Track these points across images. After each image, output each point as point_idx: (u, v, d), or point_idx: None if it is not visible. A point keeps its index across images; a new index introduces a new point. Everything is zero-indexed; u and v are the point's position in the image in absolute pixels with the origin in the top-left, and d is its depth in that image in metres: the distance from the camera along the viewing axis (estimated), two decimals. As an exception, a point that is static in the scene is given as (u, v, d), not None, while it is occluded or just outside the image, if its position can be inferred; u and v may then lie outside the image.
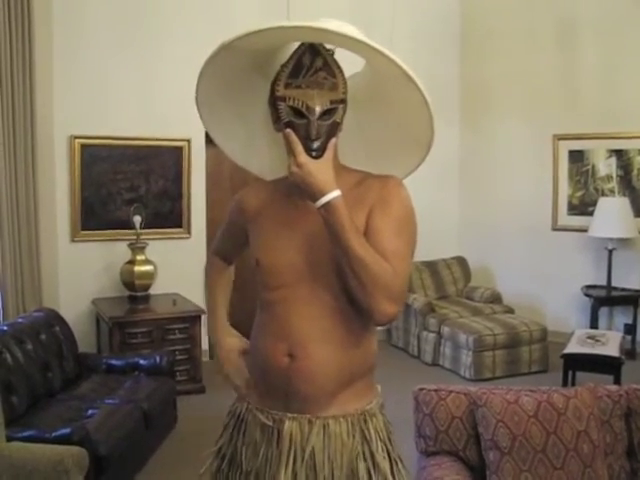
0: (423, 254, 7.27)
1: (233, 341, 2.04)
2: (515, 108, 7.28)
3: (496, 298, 7.00)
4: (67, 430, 3.31)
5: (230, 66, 1.74)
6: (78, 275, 5.76)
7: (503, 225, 7.39)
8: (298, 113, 1.68)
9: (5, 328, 4.12)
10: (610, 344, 5.09)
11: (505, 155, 7.40)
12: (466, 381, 5.78)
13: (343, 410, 1.80)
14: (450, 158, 7.63)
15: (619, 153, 6.71)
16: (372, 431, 1.82)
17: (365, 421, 1.82)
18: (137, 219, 5.80)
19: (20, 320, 4.42)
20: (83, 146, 5.75)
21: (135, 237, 5.79)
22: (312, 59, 1.69)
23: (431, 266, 7.27)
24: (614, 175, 6.77)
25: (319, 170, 1.63)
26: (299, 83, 1.68)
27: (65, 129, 5.65)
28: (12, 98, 5.06)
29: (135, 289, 5.76)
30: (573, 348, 5.09)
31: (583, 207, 6.93)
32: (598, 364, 4.93)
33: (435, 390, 2.76)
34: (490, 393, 2.66)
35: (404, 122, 1.83)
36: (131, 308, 5.63)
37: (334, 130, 1.71)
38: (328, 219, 1.63)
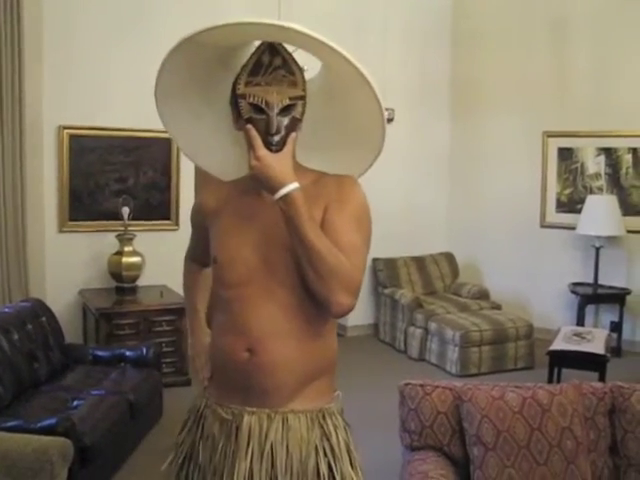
0: (411, 249, 7.31)
1: (208, 340, 2.04)
2: (505, 104, 7.29)
3: (483, 294, 7.02)
4: (52, 421, 3.30)
5: (194, 61, 1.76)
6: (65, 266, 5.74)
7: (491, 221, 7.41)
8: (258, 109, 1.71)
9: (-9, 318, 4.11)
10: (596, 341, 5.12)
11: (495, 151, 7.42)
12: (452, 376, 5.80)
13: (302, 406, 1.81)
14: (440, 154, 7.66)
15: (608, 151, 6.74)
16: (331, 427, 1.84)
17: (324, 418, 1.84)
18: (125, 210, 5.78)
19: (6, 310, 4.40)
20: (72, 137, 5.73)
21: (123, 228, 5.78)
22: (271, 58, 1.72)
23: (419, 261, 7.29)
24: (603, 173, 6.80)
25: (278, 163, 1.67)
26: (259, 81, 1.71)
27: (54, 119, 5.63)
28: (0, 88, 5.02)
29: (122, 280, 5.75)
30: (559, 345, 5.12)
31: (571, 205, 6.96)
32: (584, 361, 4.96)
33: (421, 385, 2.77)
34: (475, 389, 2.67)
35: (357, 123, 1.86)
36: (118, 299, 5.62)
37: (293, 126, 1.74)
38: (286, 211, 1.66)
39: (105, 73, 5.78)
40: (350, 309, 1.70)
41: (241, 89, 1.72)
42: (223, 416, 1.84)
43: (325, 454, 1.80)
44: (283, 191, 1.65)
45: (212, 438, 1.85)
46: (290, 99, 1.72)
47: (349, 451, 1.86)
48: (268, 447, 1.76)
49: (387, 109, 7.10)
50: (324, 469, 1.78)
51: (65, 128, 5.68)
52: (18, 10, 5.06)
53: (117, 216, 5.82)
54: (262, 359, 1.76)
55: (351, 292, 1.68)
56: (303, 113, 1.77)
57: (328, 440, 1.82)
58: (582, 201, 6.69)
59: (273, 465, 1.77)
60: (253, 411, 1.80)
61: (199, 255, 2.09)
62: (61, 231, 5.78)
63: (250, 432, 1.78)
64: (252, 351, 1.77)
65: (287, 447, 1.77)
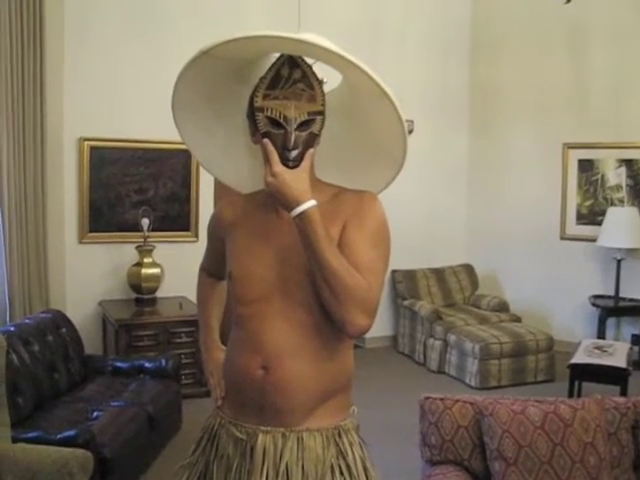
0: (430, 261, 7.29)
1: (221, 356, 2.02)
2: (525, 115, 7.26)
3: (503, 306, 6.98)
4: (72, 432, 3.31)
5: (210, 73, 1.75)
6: (85, 277, 5.77)
7: (511, 233, 7.37)
8: (275, 123, 1.68)
9: (12, 329, 4.13)
10: (617, 355, 5.07)
11: (514, 162, 7.38)
12: (471, 389, 5.77)
13: (317, 424, 1.79)
14: (459, 165, 7.64)
15: (629, 163, 6.69)
16: (347, 445, 1.81)
17: (340, 435, 1.81)
18: (145, 222, 5.81)
19: (27, 321, 4.42)
20: (92, 148, 5.76)
21: (143, 240, 5.80)
22: (290, 71, 1.69)
23: (438, 273, 7.26)
24: (624, 185, 6.75)
25: (294, 180, 1.64)
26: (277, 94, 1.69)
27: (74, 131, 5.67)
28: (22, 100, 5.07)
29: (142, 292, 5.77)
30: (580, 358, 5.07)
31: (592, 216, 6.91)
32: (605, 375, 4.91)
33: (441, 399, 2.75)
34: (496, 403, 2.65)
35: (378, 138, 1.84)
36: (137, 311, 5.64)
37: (311, 141, 1.71)
38: (303, 229, 1.63)
39: (125, 85, 5.82)
40: (366, 330, 1.68)
41: (259, 102, 1.70)
42: (237, 435, 1.81)
43: (341, 472, 1.77)
44: (299, 209, 1.62)
45: (227, 458, 1.82)
46: (309, 114, 1.69)
47: (365, 469, 1.83)
48: (283, 467, 1.74)
49: (406, 120, 7.09)
50: None
51: (85, 140, 5.72)
52: (40, 24, 5.12)
53: (137, 227, 5.84)
54: (277, 377, 1.74)
55: (367, 313, 1.66)
56: (321, 128, 1.74)
57: (344, 458, 1.79)
58: (603, 213, 6.63)
59: None
60: (268, 430, 1.77)
61: (214, 268, 2.07)
62: (81, 242, 5.81)
63: (265, 452, 1.76)
64: (267, 369, 1.75)
65: (302, 467, 1.74)
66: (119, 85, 5.81)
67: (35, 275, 5.28)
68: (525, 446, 2.50)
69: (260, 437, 1.77)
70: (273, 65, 1.72)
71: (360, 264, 1.67)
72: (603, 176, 6.86)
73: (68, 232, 5.74)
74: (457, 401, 2.74)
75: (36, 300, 5.27)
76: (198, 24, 5.84)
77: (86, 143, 5.73)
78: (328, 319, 1.71)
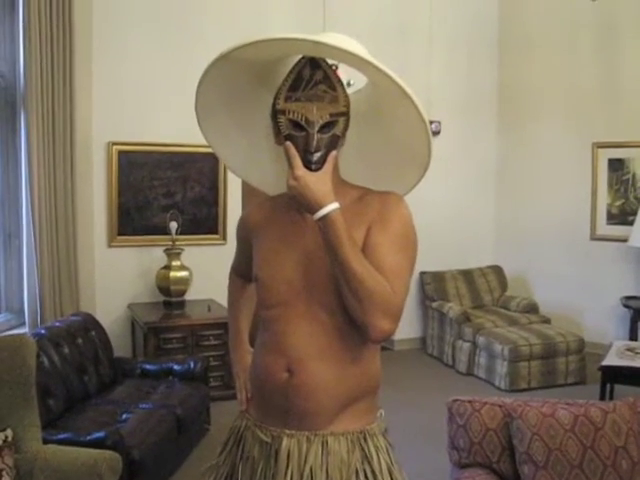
0: (459, 262, 7.25)
1: (248, 358, 2.02)
2: (554, 114, 7.19)
3: (532, 308, 6.91)
4: (101, 434, 3.34)
5: (231, 77, 1.74)
6: (114, 280, 5.82)
7: (540, 234, 7.29)
8: (297, 126, 1.66)
9: (43, 332, 4.17)
10: (650, 357, 4.99)
11: (543, 162, 7.31)
12: (501, 391, 5.72)
13: (342, 428, 1.77)
14: (487, 165, 7.60)
15: (660, 162, 6.59)
16: (372, 449, 1.79)
17: (365, 439, 1.79)
18: (173, 225, 5.84)
19: (57, 324, 4.47)
20: (121, 152, 5.82)
21: (171, 243, 5.83)
22: (312, 72, 1.68)
23: (467, 275, 7.22)
24: (655, 184, 6.65)
25: (317, 182, 1.61)
26: (299, 96, 1.67)
27: (103, 135, 5.72)
28: (52, 105, 5.12)
29: (170, 294, 5.80)
30: (612, 360, 5.00)
31: (623, 216, 6.81)
32: (637, 377, 4.83)
33: (469, 401, 2.73)
34: (525, 405, 2.62)
35: (403, 140, 1.81)
36: (166, 313, 5.67)
37: (334, 143, 1.69)
38: (326, 232, 1.62)
39: (153, 89, 5.87)
40: (389, 335, 1.65)
41: (281, 104, 1.69)
42: (262, 438, 1.81)
43: (366, 477, 1.75)
44: (322, 212, 1.60)
45: (252, 460, 1.82)
46: (331, 116, 1.67)
47: (391, 473, 1.80)
48: (307, 470, 1.72)
49: (433, 122, 7.09)
50: None
51: (114, 144, 5.77)
52: (70, 30, 5.17)
53: (165, 231, 5.88)
54: (301, 380, 1.73)
55: (391, 317, 1.63)
56: (345, 130, 1.72)
57: (369, 463, 1.77)
58: (634, 212, 6.53)
59: None
60: (292, 434, 1.76)
61: (243, 269, 2.07)
62: (110, 246, 5.86)
63: (289, 455, 1.75)
64: (291, 372, 1.74)
65: (327, 471, 1.73)
66: (147, 90, 5.86)
67: (65, 278, 5.33)
68: (555, 449, 2.46)
69: (285, 440, 1.77)
70: (295, 67, 1.70)
71: (384, 268, 1.65)
72: (634, 175, 6.76)
73: (97, 236, 5.80)
74: (485, 403, 2.72)
75: (66, 303, 5.32)
76: (225, 28, 5.85)
77: (115, 147, 5.79)
78: (352, 323, 1.69)
